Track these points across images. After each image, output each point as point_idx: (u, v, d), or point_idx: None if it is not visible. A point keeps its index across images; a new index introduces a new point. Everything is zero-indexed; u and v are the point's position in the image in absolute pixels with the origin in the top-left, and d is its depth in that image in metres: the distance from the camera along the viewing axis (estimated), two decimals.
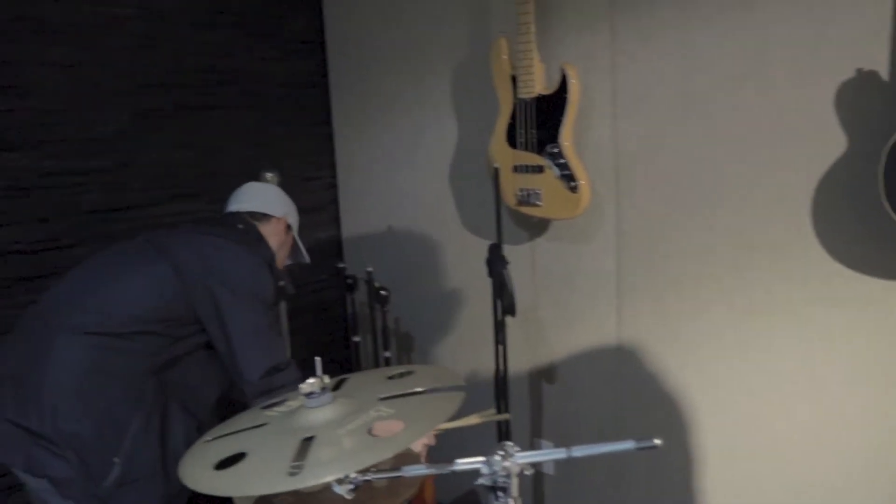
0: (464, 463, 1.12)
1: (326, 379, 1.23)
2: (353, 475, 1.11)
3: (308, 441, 1.12)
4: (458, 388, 1.21)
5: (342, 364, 3.03)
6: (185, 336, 1.74)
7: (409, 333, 2.92)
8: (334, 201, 3.09)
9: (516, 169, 2.27)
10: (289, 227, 2.07)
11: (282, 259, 2.06)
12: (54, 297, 1.73)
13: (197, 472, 1.10)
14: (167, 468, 1.68)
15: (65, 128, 2.33)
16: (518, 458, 1.06)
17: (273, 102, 2.85)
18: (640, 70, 2.09)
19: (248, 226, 1.95)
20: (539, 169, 2.22)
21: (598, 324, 2.32)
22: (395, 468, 1.18)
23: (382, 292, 2.54)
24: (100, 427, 1.60)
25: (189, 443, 1.72)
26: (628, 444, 0.98)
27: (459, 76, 2.54)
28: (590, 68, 2.17)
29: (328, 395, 1.23)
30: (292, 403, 1.31)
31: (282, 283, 1.99)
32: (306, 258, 2.18)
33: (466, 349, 2.74)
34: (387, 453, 1.05)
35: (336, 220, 3.11)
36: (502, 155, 2.30)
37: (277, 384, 1.71)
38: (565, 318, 2.42)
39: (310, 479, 1.00)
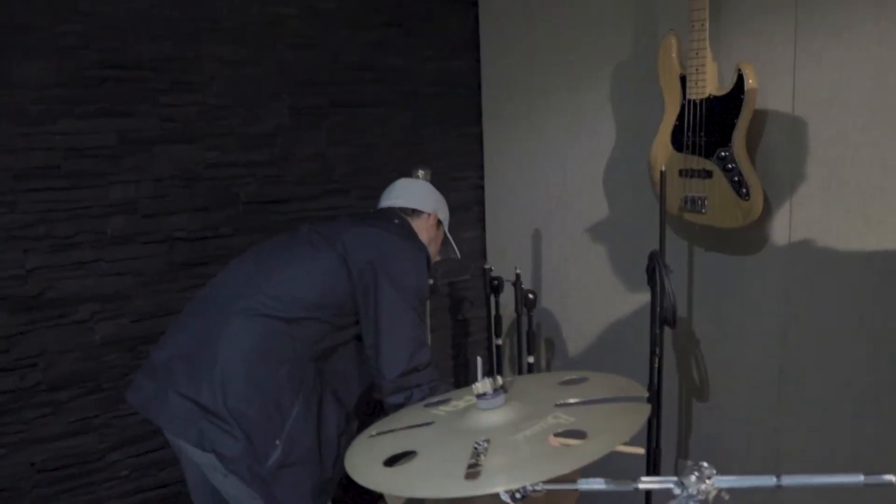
0: (652, 482, 1.03)
1: (500, 380, 1.17)
2: (529, 486, 1.04)
3: (482, 444, 1.07)
4: (640, 398, 1.12)
5: (491, 364, 2.98)
6: (345, 325, 1.77)
7: (551, 339, 2.83)
8: (480, 202, 3.05)
9: (682, 173, 2.14)
10: (439, 223, 2.08)
11: (433, 255, 2.06)
12: (228, 281, 1.80)
13: (365, 466, 1.07)
14: (322, 454, 1.69)
15: (229, 122, 2.41)
16: (717, 482, 0.96)
17: (425, 101, 2.85)
18: (826, 69, 1.91)
19: (401, 220, 1.97)
20: (708, 174, 2.08)
21: (761, 344, 2.15)
22: (570, 480, 1.10)
23: (530, 295, 2.47)
24: (266, 409, 1.63)
25: (340, 432, 1.73)
26: (856, 478, 0.85)
27: (618, 77, 2.44)
28: (768, 68, 2.02)
29: (501, 398, 1.17)
30: (459, 403, 1.26)
31: (432, 280, 1.99)
32: (457, 254, 2.18)
33: (612, 360, 2.62)
34: (569, 466, 0.98)
35: (481, 221, 3.07)
36: (666, 158, 2.17)
37: (412, 383, 1.73)
38: (723, 334, 2.26)
39: (486, 486, 0.94)
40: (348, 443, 1.68)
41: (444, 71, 2.88)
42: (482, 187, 3.04)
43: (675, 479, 1.00)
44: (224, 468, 1.62)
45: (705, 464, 1.00)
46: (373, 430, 1.24)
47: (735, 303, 2.21)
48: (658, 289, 1.99)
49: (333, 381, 1.77)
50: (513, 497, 1.13)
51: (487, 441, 1.06)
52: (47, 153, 2.13)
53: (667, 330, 2.30)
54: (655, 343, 2.04)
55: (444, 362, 3.03)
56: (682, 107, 2.11)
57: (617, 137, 2.47)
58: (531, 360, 2.53)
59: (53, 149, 2.14)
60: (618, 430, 1.04)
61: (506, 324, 2.79)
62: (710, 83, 2.05)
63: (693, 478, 0.97)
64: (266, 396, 1.63)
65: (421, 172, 2.47)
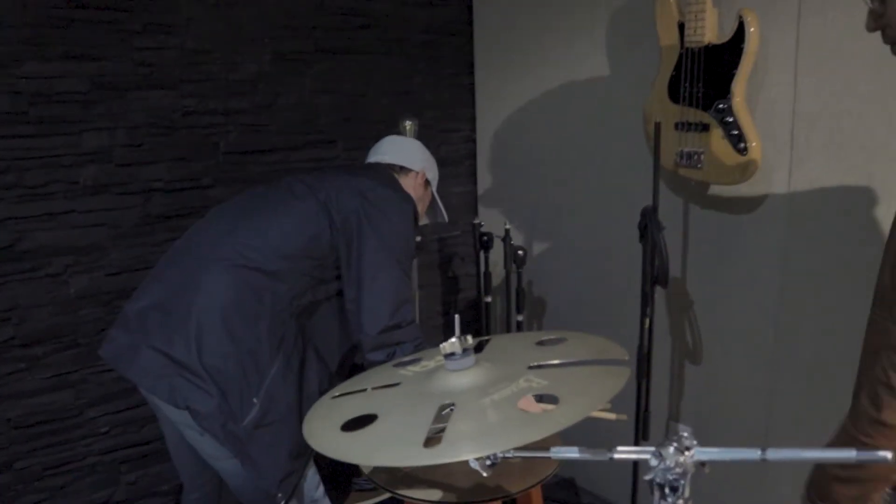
0: (628, 451, 0.96)
1: (469, 339, 1.10)
2: (500, 453, 0.98)
3: (447, 409, 1.00)
4: (621, 362, 1.05)
5: (472, 325, 2.92)
6: (327, 279, 1.71)
7: (542, 298, 2.76)
8: (472, 155, 2.95)
9: (677, 126, 2.04)
10: (427, 183, 2.00)
11: (420, 215, 1.99)
12: (206, 231, 1.71)
13: (322, 430, 1.01)
14: (303, 415, 1.62)
15: (208, 67, 2.31)
16: (698, 454, 0.89)
17: (415, 49, 2.73)
18: (832, 20, 1.80)
19: (389, 175, 1.90)
20: (704, 127, 1.98)
21: (756, 305, 2.07)
22: (543, 447, 1.04)
23: (519, 252, 2.39)
24: (243, 365, 1.56)
25: (322, 390, 1.66)
26: (849, 454, 0.78)
27: (615, 25, 2.32)
28: (769, 16, 1.90)
29: (471, 358, 1.10)
30: (429, 363, 1.19)
31: (419, 238, 1.92)
32: (444, 217, 2.09)
33: (604, 319, 2.55)
34: (539, 433, 0.91)
35: (473, 175, 2.98)
36: (662, 111, 2.07)
37: (394, 340, 1.67)
38: (718, 294, 2.18)
39: (448, 455, 0.87)
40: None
41: (435, 17, 2.75)
42: (474, 140, 2.93)
43: (652, 449, 0.93)
44: (197, 426, 1.55)
45: (686, 433, 0.93)
46: (337, 390, 1.18)
47: (731, 263, 2.13)
48: (650, 247, 1.91)
49: (316, 339, 1.72)
50: (483, 464, 1.07)
51: (453, 405, 0.99)
52: (13, 97, 2.03)
53: (662, 290, 2.23)
54: (646, 303, 1.96)
55: (432, 320, 2.97)
56: (680, 56, 2.00)
57: (613, 87, 2.37)
58: (520, 318, 2.46)
59: (20, 93, 2.04)
60: (593, 395, 0.97)
61: (496, 281, 2.72)
62: (710, 31, 1.93)
63: (671, 449, 0.90)
64: (244, 352, 1.56)
65: (408, 124, 2.38)
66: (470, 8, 2.81)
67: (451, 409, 0.99)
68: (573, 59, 2.47)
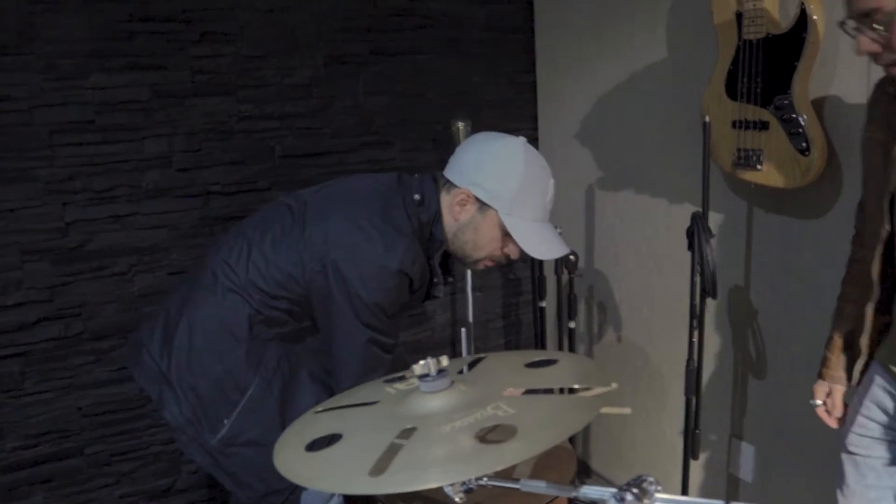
0: (591, 491, 0.90)
1: (444, 361, 1.06)
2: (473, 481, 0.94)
3: (409, 433, 0.97)
4: (602, 393, 0.98)
5: (535, 328, 2.85)
6: (306, 315, 1.61)
7: (603, 303, 2.66)
8: None
9: (735, 125, 1.90)
10: (482, 206, 1.56)
11: (467, 247, 1.62)
12: (214, 251, 1.70)
13: (287, 449, 1.00)
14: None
15: (263, 73, 2.36)
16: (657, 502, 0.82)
17: (473, 48, 2.68)
18: None
19: (428, 197, 1.59)
20: (763, 125, 1.84)
21: (824, 317, 1.90)
22: (512, 479, 0.99)
23: (571, 257, 2.31)
24: (219, 386, 1.58)
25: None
26: None
27: (676, 18, 2.18)
28: (838, 3, 1.73)
29: (445, 380, 1.06)
30: (414, 381, 1.16)
31: (436, 280, 1.64)
32: (538, 254, 1.61)
33: (663, 329, 2.43)
34: (487, 467, 0.86)
35: None
36: (719, 107, 1.94)
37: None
38: (783, 304, 2.02)
39: (387, 486, 0.84)
40: None
41: (494, 15, 2.69)
42: (536, 139, 2.86)
43: (613, 491, 0.87)
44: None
45: (650, 479, 0.86)
46: (320, 406, 1.17)
47: (797, 271, 1.96)
48: (698, 255, 1.79)
49: (309, 363, 1.66)
50: (456, 490, 1.03)
51: (413, 430, 0.96)
52: (81, 108, 2.15)
53: (723, 300, 2.10)
54: (694, 315, 1.85)
55: (493, 322, 2.92)
56: (738, 48, 1.86)
57: (674, 83, 2.24)
58: (572, 325, 2.38)
59: (87, 103, 2.15)
60: (555, 429, 0.91)
61: (554, 285, 2.65)
62: (769, 20, 1.79)
63: (630, 496, 0.84)
64: (220, 373, 1.57)
65: (460, 125, 2.34)
66: (530, 4, 2.73)
67: (410, 434, 0.95)
68: (634, 54, 2.35)
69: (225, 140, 2.34)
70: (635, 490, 0.85)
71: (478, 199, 1.56)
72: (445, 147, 2.44)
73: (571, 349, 2.43)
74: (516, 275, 2.93)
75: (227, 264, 1.61)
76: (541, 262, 2.44)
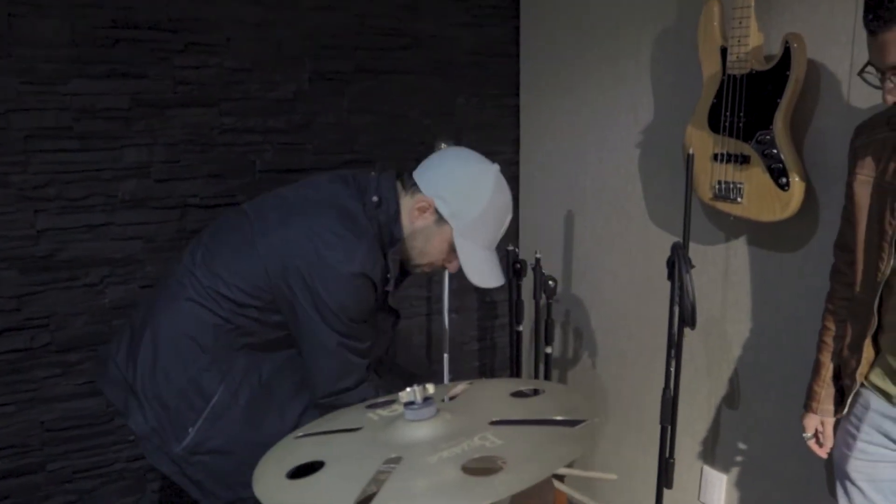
0: None
1: (431, 388, 1.04)
2: None
3: (394, 462, 0.95)
4: (587, 426, 0.97)
5: (510, 352, 2.85)
6: (273, 324, 1.58)
7: (579, 329, 2.67)
8: (514, 178, 2.88)
9: (716, 157, 1.93)
10: (440, 218, 1.58)
11: (413, 252, 1.63)
12: (181, 259, 1.69)
13: (268, 475, 0.97)
14: (256, 445, 1.58)
15: (247, 86, 2.33)
16: None
17: (459, 70, 2.69)
18: None
19: (386, 198, 1.58)
20: (745, 159, 1.86)
21: (799, 349, 1.92)
22: None
23: (550, 282, 2.31)
24: (183, 396, 1.57)
25: (295, 423, 1.60)
26: None
27: (661, 46, 2.21)
28: (821, 41, 1.77)
29: (431, 409, 1.04)
30: (397, 407, 1.14)
31: (389, 276, 1.60)
32: (476, 280, 1.63)
33: (639, 357, 2.43)
34: (475, 501, 0.84)
35: (515, 200, 2.90)
36: (701, 140, 1.96)
37: (342, 403, 1.52)
38: (758, 337, 2.04)
39: None
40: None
41: (481, 38, 2.70)
42: (517, 163, 2.87)
43: None
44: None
45: None
46: (300, 431, 1.14)
47: (774, 303, 1.99)
48: (677, 285, 1.80)
49: (281, 375, 1.63)
50: None
51: (398, 459, 0.94)
52: (59, 113, 2.10)
53: (699, 330, 2.11)
54: (671, 345, 1.85)
55: (468, 345, 2.91)
56: (721, 82, 1.89)
57: (656, 112, 2.26)
58: (549, 350, 2.37)
59: (66, 109, 2.11)
60: (543, 461, 0.90)
61: (531, 310, 2.64)
62: (754, 56, 1.82)
63: None
64: (184, 383, 1.56)
65: (443, 145, 2.33)
66: (517, 28, 2.75)
67: (396, 465, 0.93)
68: (617, 79, 2.37)
69: (205, 152, 2.31)
70: None
71: (437, 212, 1.58)
72: None
73: (547, 375, 2.42)
74: (493, 297, 2.93)
75: (192, 274, 1.59)
76: (519, 287, 2.43)
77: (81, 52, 2.10)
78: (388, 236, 1.58)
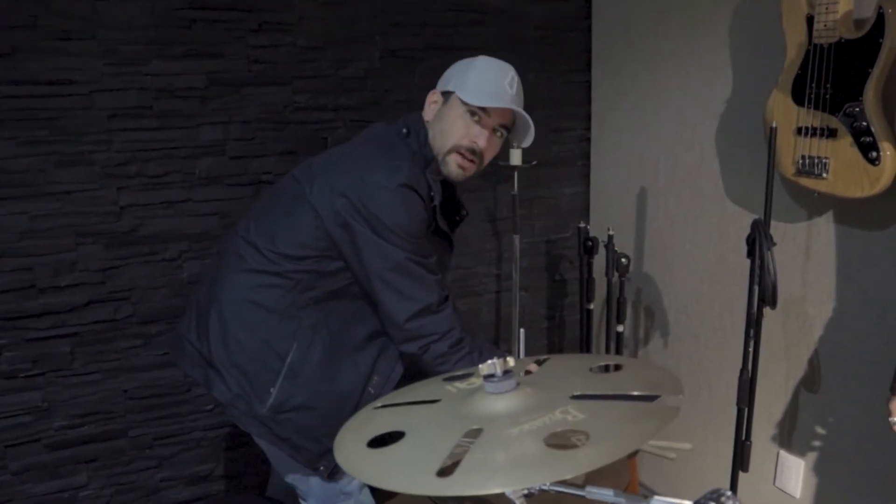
0: (665, 501, 0.87)
1: (511, 361, 1.04)
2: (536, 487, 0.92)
3: (474, 433, 0.95)
4: (673, 400, 0.95)
5: (581, 330, 2.82)
6: (333, 270, 1.62)
7: (650, 308, 2.62)
8: (586, 155, 2.84)
9: (800, 131, 1.86)
10: (444, 95, 1.70)
11: (437, 141, 1.68)
12: (234, 232, 1.76)
13: (349, 444, 0.99)
14: (335, 401, 1.64)
15: (319, 64, 2.35)
16: None
17: (529, 45, 2.65)
18: None
19: (415, 128, 1.70)
20: (831, 133, 1.78)
21: (884, 331, 1.85)
22: (577, 485, 0.97)
23: (623, 260, 2.27)
24: (259, 358, 1.62)
25: (365, 378, 1.66)
26: None
27: (741, 19, 2.13)
28: None
29: (511, 381, 1.04)
30: (475, 380, 1.14)
31: (433, 193, 1.63)
32: (477, 100, 1.66)
33: (712, 337, 2.38)
34: (558, 474, 0.84)
35: (586, 177, 2.86)
36: (784, 113, 1.89)
37: (427, 331, 1.59)
38: (841, 317, 1.97)
39: (456, 487, 0.83)
40: (384, 390, 1.63)
41: (551, 13, 2.66)
42: (588, 139, 2.82)
43: (689, 503, 0.84)
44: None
45: (727, 493, 0.83)
46: (379, 402, 1.16)
47: (858, 284, 1.91)
48: (757, 264, 1.75)
49: (350, 326, 1.67)
50: (517, 494, 1.01)
51: (479, 431, 0.94)
52: (139, 93, 2.16)
53: (778, 310, 2.05)
54: (751, 325, 1.80)
55: (538, 322, 2.90)
56: (807, 52, 1.81)
57: (735, 86, 2.19)
58: (620, 328, 2.34)
59: (145, 89, 2.17)
60: (627, 437, 0.89)
61: (603, 288, 2.61)
62: (843, 24, 1.73)
63: None
64: (257, 345, 1.62)
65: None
66: (588, 2, 2.69)
67: (476, 436, 0.94)
68: (693, 51, 2.30)
69: (278, 130, 2.34)
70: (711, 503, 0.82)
71: (442, 94, 1.72)
72: None
73: (618, 353, 2.39)
74: (563, 276, 2.90)
75: (249, 243, 1.66)
76: (591, 264, 2.40)
77: (160, 33, 2.15)
78: (423, 160, 1.67)
